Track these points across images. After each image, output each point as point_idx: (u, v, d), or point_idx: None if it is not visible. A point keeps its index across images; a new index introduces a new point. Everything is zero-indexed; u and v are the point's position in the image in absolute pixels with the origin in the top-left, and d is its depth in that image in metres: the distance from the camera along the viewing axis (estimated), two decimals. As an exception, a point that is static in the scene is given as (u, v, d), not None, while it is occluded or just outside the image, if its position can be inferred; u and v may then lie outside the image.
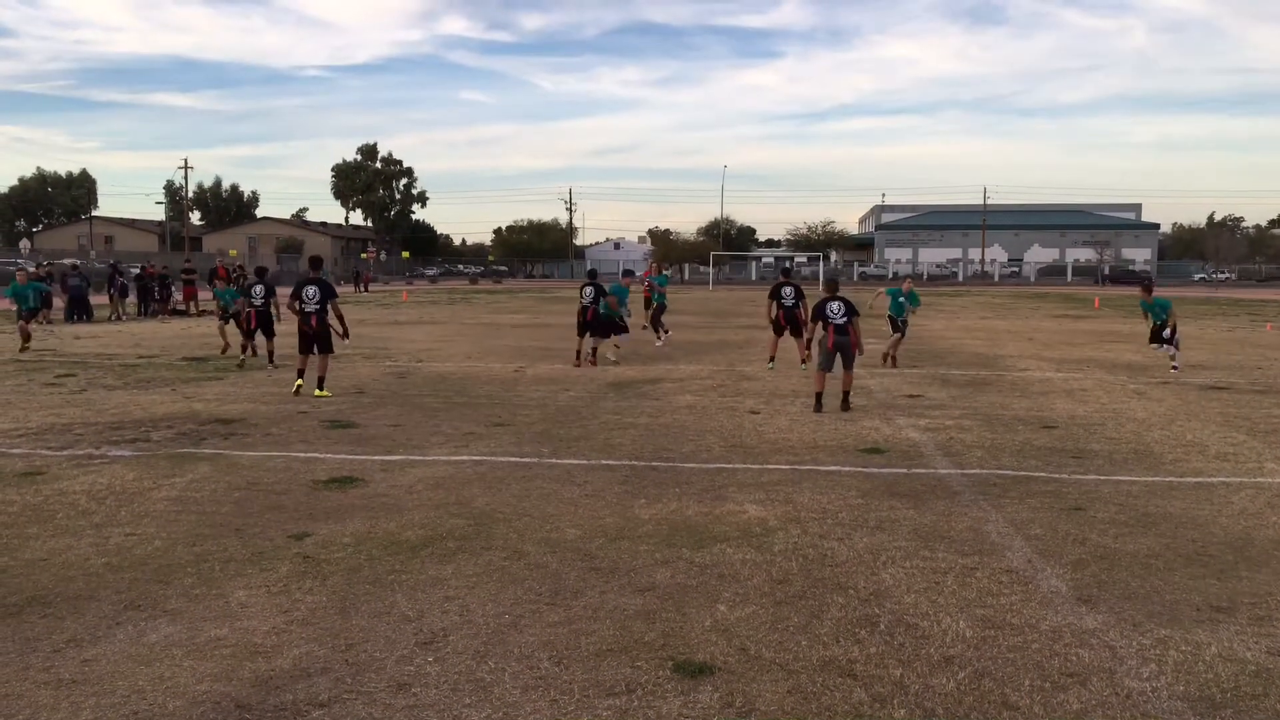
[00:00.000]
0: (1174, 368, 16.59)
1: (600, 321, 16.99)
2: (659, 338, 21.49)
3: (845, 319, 12.10)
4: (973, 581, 5.56)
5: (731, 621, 4.90)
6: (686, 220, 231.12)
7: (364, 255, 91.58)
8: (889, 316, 17.74)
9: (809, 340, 12.78)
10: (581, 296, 17.31)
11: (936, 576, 5.64)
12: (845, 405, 12.08)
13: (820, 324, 12.22)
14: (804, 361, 16.16)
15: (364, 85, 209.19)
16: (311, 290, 12.88)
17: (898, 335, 17.50)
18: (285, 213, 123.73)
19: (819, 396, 12.15)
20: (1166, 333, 16.58)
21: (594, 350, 17.16)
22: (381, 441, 9.76)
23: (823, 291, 12.53)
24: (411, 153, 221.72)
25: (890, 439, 10.09)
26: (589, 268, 20.53)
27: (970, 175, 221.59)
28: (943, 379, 15.30)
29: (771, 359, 16.91)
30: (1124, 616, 5.03)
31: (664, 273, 25.40)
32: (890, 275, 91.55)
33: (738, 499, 7.47)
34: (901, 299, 17.71)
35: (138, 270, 36.16)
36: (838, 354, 12.18)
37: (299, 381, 13.08)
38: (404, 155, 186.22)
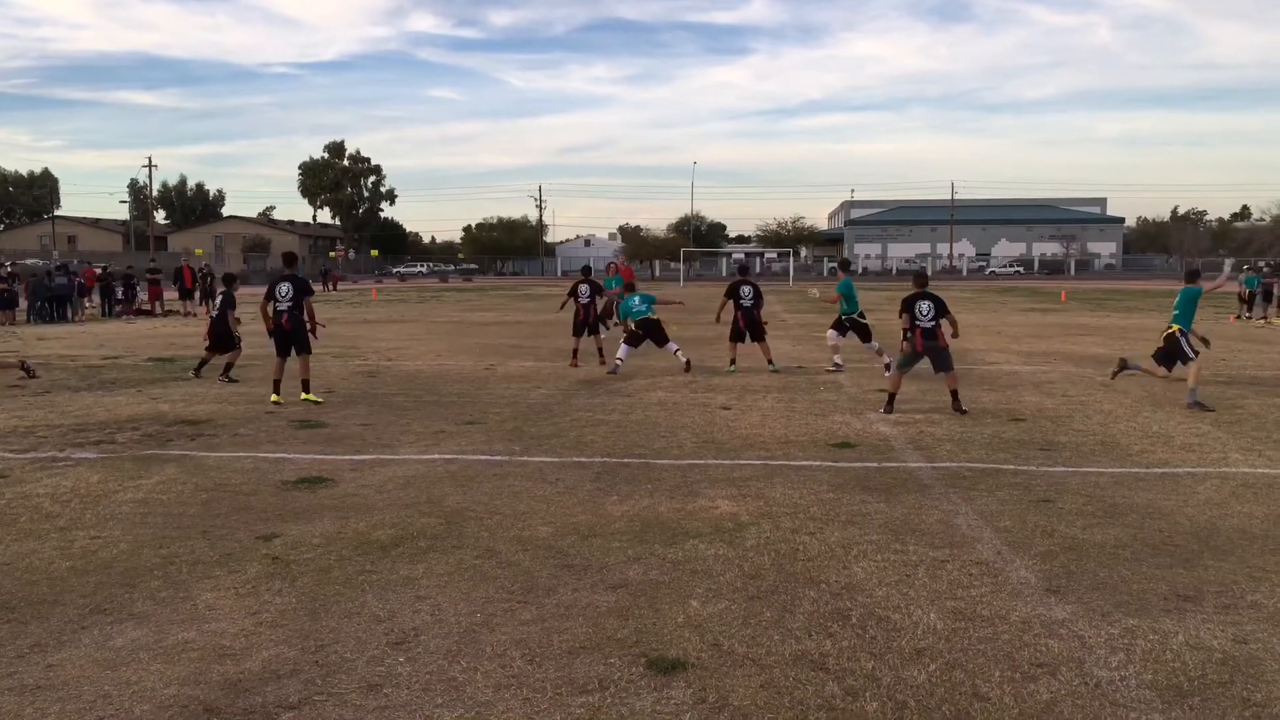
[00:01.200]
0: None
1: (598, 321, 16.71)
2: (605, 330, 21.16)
3: (933, 321, 11.52)
4: (943, 574, 5.59)
5: (704, 617, 4.90)
6: (657, 217, 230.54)
7: (332, 254, 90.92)
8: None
9: (905, 331, 11.65)
10: (578, 295, 16.75)
11: (908, 569, 5.66)
12: (957, 406, 11.39)
13: (908, 319, 11.54)
14: (771, 362, 15.82)
15: (332, 83, 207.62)
16: (285, 287, 12.26)
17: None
18: (252, 211, 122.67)
19: (891, 398, 11.66)
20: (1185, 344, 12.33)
21: (599, 350, 16.75)
22: (351, 441, 9.69)
23: (912, 286, 11.85)
24: (381, 150, 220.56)
25: (861, 433, 10.12)
26: (585, 264, 20.19)
27: (938, 171, 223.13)
28: (912, 373, 15.31)
29: (732, 362, 15.99)
30: (1092, 606, 5.07)
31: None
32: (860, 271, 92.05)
33: (710, 495, 7.46)
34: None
35: (99, 270, 35.65)
36: (925, 357, 11.61)
37: (275, 396, 12.17)
38: (373, 153, 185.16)
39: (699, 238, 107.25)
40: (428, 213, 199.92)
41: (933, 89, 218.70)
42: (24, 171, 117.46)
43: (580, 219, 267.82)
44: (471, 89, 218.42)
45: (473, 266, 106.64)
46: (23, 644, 4.60)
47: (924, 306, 11.58)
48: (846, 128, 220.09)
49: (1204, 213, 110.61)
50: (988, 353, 18.76)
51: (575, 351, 16.68)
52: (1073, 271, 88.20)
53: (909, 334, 11.63)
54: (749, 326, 15.82)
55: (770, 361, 15.87)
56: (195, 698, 4.04)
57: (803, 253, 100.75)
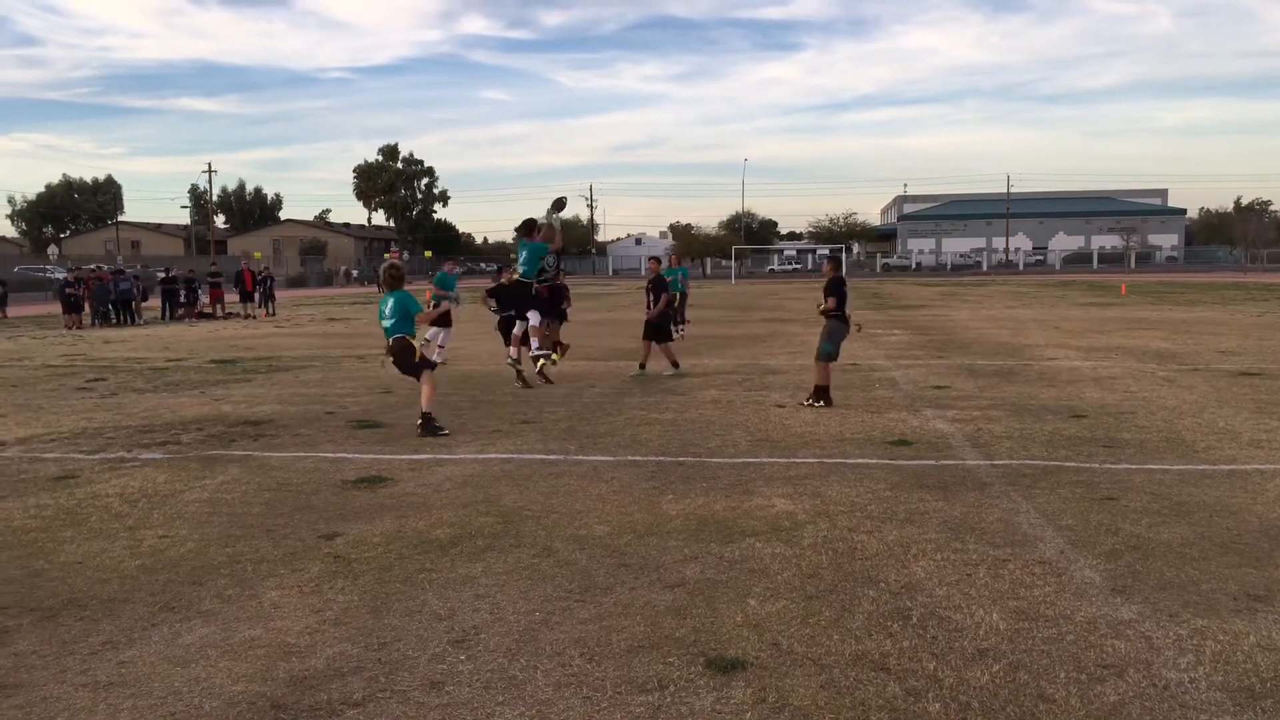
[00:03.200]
0: None
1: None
2: (679, 330, 20.92)
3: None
4: (1005, 573, 5.51)
5: (762, 616, 4.89)
6: (708, 214, 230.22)
7: (387, 255, 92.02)
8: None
9: (829, 314, 11.51)
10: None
11: (968, 569, 5.59)
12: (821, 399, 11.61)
13: (835, 302, 11.83)
14: (675, 367, 14.60)
15: (385, 86, 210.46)
16: (552, 259, 13.49)
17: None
18: (308, 215, 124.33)
19: (820, 390, 11.75)
20: None
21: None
22: (409, 441, 9.79)
23: (832, 271, 12.19)
24: (433, 152, 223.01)
25: (917, 431, 10.02)
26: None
27: (993, 164, 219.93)
28: (969, 369, 15.20)
29: (642, 366, 14.64)
30: (1160, 607, 4.97)
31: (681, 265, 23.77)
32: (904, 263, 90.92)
33: (765, 493, 7.43)
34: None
35: (163, 274, 36.46)
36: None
37: (554, 355, 13.86)
38: (425, 155, 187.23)
39: (750, 235, 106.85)
40: (480, 213, 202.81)
41: (987, 81, 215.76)
42: (88, 178, 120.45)
43: (631, 217, 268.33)
44: (523, 89, 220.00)
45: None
46: (95, 641, 4.72)
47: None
48: (899, 121, 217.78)
49: (1269, 202, 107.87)
50: (1046, 348, 18.46)
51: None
52: (1133, 264, 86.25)
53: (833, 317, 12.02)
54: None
55: (675, 366, 14.82)
56: (262, 694, 4.11)
57: (855, 249, 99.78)
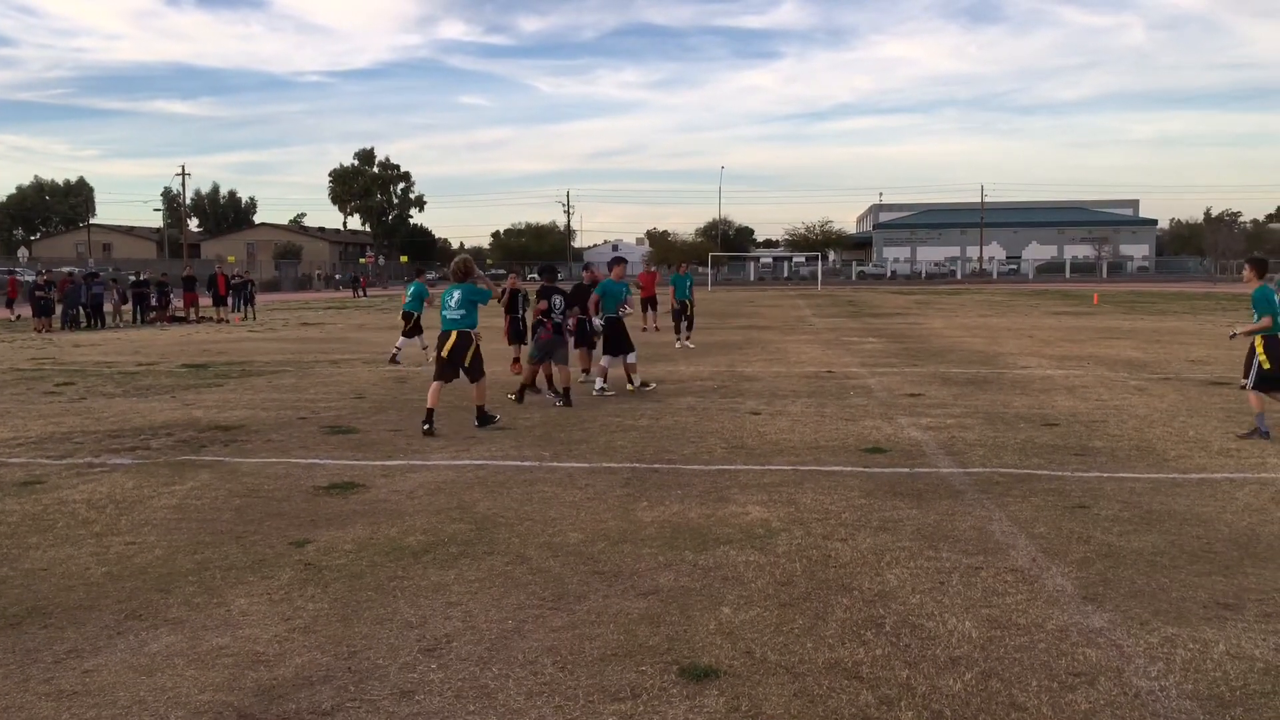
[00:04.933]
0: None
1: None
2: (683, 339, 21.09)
3: (563, 316, 12.55)
4: (978, 581, 5.52)
5: (736, 624, 4.87)
6: (685, 221, 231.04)
7: (362, 260, 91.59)
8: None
9: (538, 318, 11.51)
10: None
11: (941, 576, 5.60)
12: (566, 401, 12.11)
13: (545, 304, 12.19)
14: (587, 372, 14.33)
15: (363, 90, 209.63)
16: (558, 300, 12.62)
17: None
18: (283, 219, 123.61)
19: (524, 390, 12.61)
20: None
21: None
22: (382, 447, 9.72)
23: (541, 280, 12.53)
24: (410, 157, 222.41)
25: (892, 438, 10.05)
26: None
27: (968, 173, 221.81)
28: (943, 377, 15.27)
29: (518, 394, 12.91)
30: (1130, 615, 4.99)
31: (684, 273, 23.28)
32: (889, 274, 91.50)
33: (740, 500, 7.43)
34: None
35: (134, 277, 36.09)
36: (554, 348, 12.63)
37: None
38: (402, 160, 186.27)
39: (727, 242, 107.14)
40: (456, 218, 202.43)
41: (964, 91, 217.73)
42: (60, 180, 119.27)
43: (608, 224, 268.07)
44: (501, 95, 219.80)
45: (500, 271, 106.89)
46: (59, 649, 4.65)
47: (556, 301, 12.45)
48: (877, 130, 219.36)
49: (1238, 214, 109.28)
50: (1019, 356, 18.58)
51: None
52: (1105, 274, 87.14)
53: (541, 324, 12.46)
54: (545, 349, 13.49)
55: (586, 371, 14.54)
56: (229, 704, 4.05)
57: (830, 256, 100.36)
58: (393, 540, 6.40)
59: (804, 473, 8.43)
